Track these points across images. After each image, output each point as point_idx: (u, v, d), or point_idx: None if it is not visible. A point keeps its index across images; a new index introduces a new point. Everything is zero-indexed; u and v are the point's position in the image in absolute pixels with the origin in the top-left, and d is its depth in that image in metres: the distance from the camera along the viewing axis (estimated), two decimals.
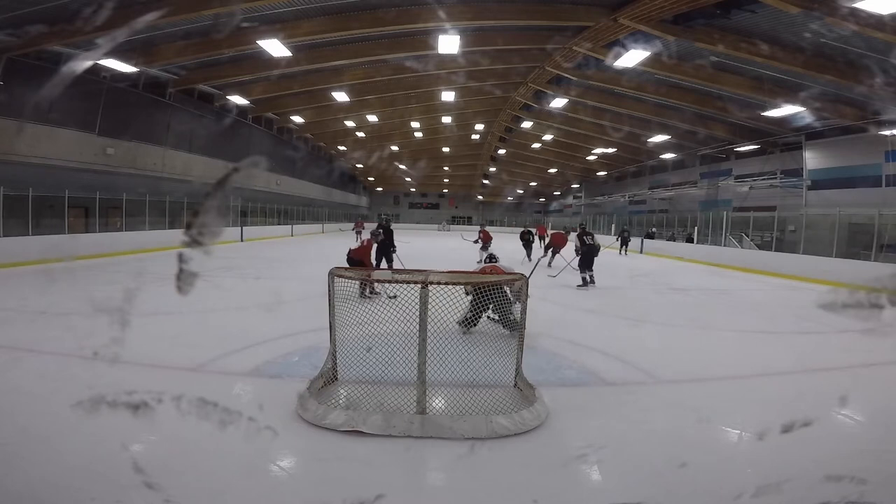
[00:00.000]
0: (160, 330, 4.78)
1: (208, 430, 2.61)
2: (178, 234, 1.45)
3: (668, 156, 22.25)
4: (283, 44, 10.82)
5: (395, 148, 28.40)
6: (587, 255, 9.06)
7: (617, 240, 18.85)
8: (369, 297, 6.04)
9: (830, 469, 2.38)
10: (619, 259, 16.65)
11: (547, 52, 13.03)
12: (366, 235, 18.82)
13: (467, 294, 4.02)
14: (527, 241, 14.09)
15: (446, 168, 37.29)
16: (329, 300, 3.17)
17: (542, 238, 18.95)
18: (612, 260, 15.12)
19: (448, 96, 17.28)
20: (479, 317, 4.50)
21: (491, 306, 4.48)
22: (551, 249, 12.05)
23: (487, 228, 15.32)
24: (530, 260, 12.52)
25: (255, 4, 9.68)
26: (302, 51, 12.39)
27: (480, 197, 45.90)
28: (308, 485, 2.32)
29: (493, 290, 4.01)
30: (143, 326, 4.80)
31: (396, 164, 33.93)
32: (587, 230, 9.57)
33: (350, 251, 7.56)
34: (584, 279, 8.96)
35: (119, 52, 11.07)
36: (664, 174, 24.80)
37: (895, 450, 2.81)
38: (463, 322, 4.56)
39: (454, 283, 3.22)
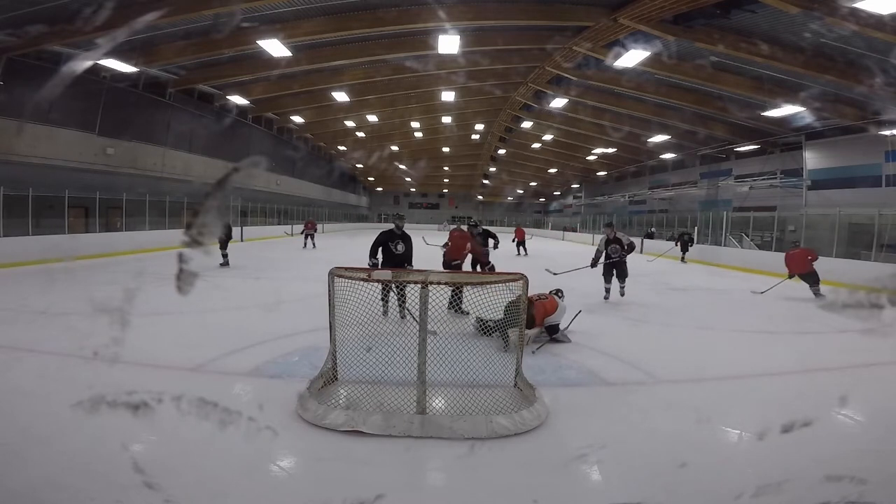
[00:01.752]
0: (160, 330, 4.77)
1: (208, 430, 2.61)
2: (178, 234, 1.45)
3: (668, 156, 22.25)
4: (283, 44, 10.82)
5: (395, 148, 28.41)
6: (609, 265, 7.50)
7: (676, 244, 15.99)
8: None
9: (830, 469, 2.37)
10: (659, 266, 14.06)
11: (547, 52, 13.03)
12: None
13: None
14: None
15: (446, 168, 37.32)
16: (329, 300, 3.16)
17: (521, 244, 17.84)
18: (647, 266, 13.70)
19: (448, 96, 17.30)
20: (495, 332, 4.44)
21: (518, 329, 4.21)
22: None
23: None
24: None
25: (255, 4, 9.69)
26: (302, 51, 12.39)
27: (480, 197, 45.94)
28: (308, 485, 2.32)
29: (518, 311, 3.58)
30: (143, 326, 4.79)
31: (396, 164, 33.94)
32: (613, 234, 7.50)
33: (446, 254, 6.48)
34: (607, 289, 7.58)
35: (119, 52, 11.08)
36: (664, 174, 24.80)
37: (895, 450, 2.81)
38: (475, 320, 4.56)
39: (454, 283, 3.22)
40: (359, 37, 12.13)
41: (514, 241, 17.60)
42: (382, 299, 4.69)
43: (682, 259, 15.75)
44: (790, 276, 8.78)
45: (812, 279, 8.38)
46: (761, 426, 2.88)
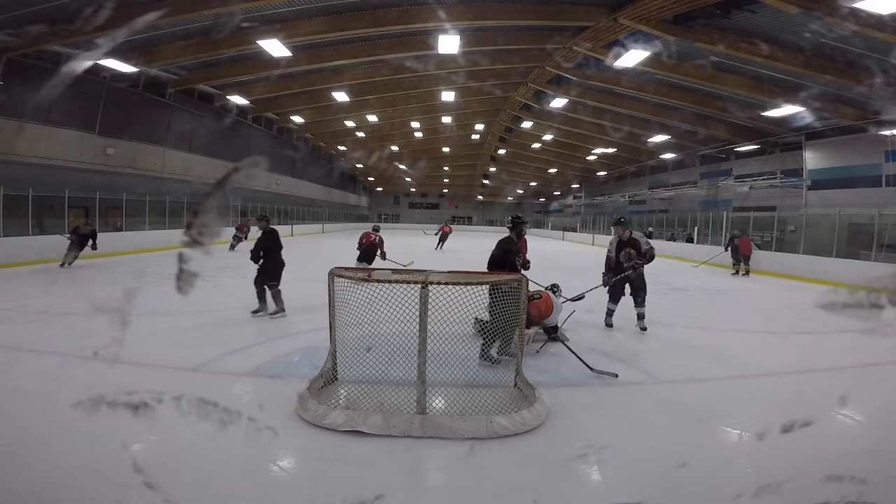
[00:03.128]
0: (160, 330, 4.78)
1: (208, 430, 2.61)
2: (178, 234, 1.45)
3: (668, 156, 22.26)
4: (283, 44, 10.82)
5: (395, 148, 28.42)
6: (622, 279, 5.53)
7: (726, 249, 13.39)
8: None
9: (830, 469, 2.38)
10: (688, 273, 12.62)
11: (547, 52, 13.03)
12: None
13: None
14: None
15: (446, 168, 37.31)
16: (329, 300, 3.17)
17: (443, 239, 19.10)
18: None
19: (448, 96, 17.30)
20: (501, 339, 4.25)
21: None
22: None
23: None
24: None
25: (255, 4, 9.68)
26: (302, 51, 12.40)
27: (480, 197, 45.94)
28: (308, 485, 2.32)
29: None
30: (143, 326, 4.80)
31: (396, 164, 33.94)
32: (628, 234, 5.58)
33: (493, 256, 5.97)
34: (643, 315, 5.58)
35: (119, 52, 11.08)
36: (664, 174, 24.80)
37: (895, 450, 2.81)
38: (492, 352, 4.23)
39: (454, 283, 3.22)
40: (359, 37, 12.13)
41: (436, 234, 19.84)
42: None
43: (738, 270, 13.14)
44: (740, 257, 12.33)
45: (748, 259, 11.99)
46: (761, 426, 2.89)
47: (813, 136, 15.09)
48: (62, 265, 9.37)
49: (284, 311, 5.85)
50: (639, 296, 5.51)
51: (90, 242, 9.69)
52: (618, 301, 5.64)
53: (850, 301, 1.56)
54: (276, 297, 5.85)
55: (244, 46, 11.87)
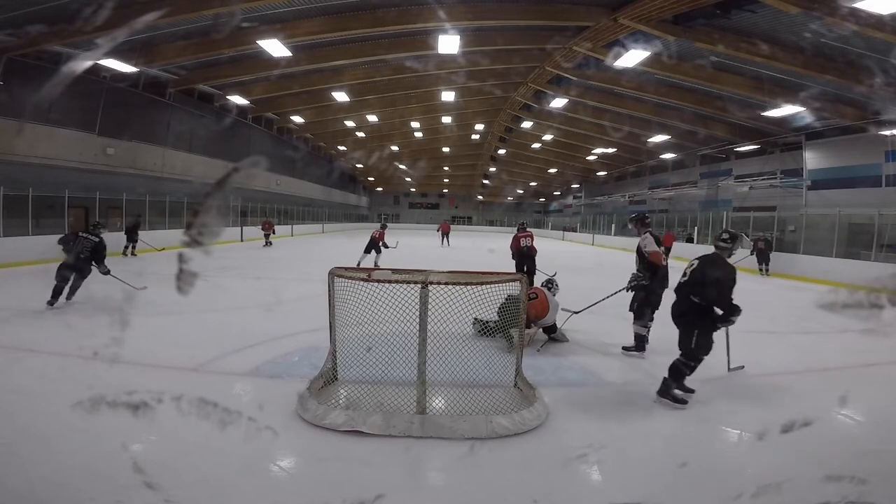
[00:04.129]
0: (160, 330, 4.77)
1: (208, 430, 2.61)
2: (178, 234, 1.45)
3: (668, 156, 22.25)
4: (283, 44, 10.82)
5: (395, 148, 28.42)
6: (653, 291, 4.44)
7: (752, 253, 12.45)
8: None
9: (830, 469, 2.38)
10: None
11: (547, 52, 13.04)
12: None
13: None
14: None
15: (446, 168, 37.32)
16: (329, 300, 3.17)
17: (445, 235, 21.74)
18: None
19: (448, 96, 17.30)
20: (497, 332, 4.36)
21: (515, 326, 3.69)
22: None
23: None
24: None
25: (255, 4, 9.68)
26: (302, 51, 12.40)
27: (480, 197, 45.94)
28: (308, 485, 2.32)
29: (516, 311, 3.58)
30: (143, 326, 4.80)
31: (396, 164, 33.95)
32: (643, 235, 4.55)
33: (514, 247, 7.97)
34: (641, 338, 4.54)
35: (119, 52, 11.08)
36: (664, 174, 24.81)
37: (895, 450, 2.81)
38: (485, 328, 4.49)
39: (454, 283, 3.22)
40: (359, 37, 12.13)
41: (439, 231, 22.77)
42: None
43: (763, 271, 12.45)
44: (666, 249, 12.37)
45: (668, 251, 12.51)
46: (761, 426, 2.89)
47: (813, 136, 15.09)
48: (124, 254, 11.63)
49: (51, 305, 5.62)
50: (637, 312, 4.41)
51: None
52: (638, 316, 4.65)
53: (850, 301, 1.56)
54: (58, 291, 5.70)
55: (244, 46, 11.87)
